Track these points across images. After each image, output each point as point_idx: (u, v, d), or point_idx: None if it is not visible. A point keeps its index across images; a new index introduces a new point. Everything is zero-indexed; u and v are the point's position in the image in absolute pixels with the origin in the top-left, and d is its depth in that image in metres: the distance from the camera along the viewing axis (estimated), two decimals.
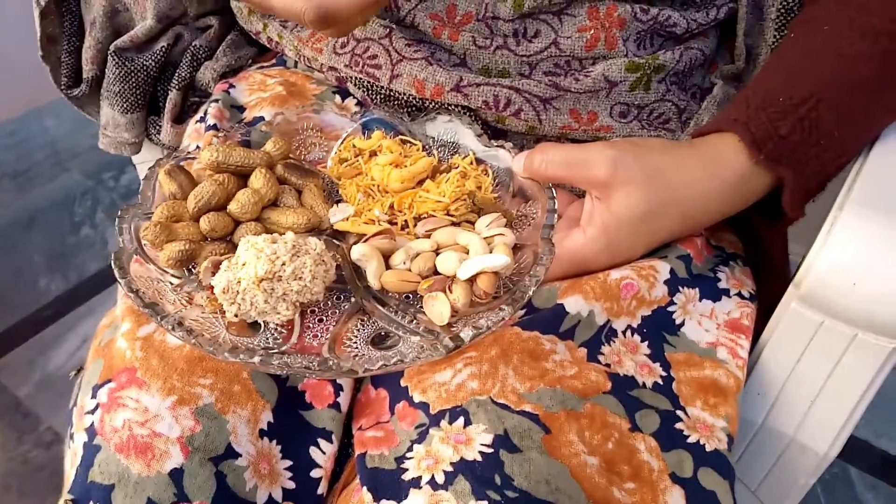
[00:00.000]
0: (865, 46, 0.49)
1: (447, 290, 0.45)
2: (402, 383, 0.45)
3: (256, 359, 0.39)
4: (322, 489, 0.46)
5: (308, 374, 0.40)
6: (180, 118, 0.71)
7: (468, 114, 0.58)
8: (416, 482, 0.40)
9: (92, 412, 0.43)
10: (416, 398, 0.44)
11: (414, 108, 0.59)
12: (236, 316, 0.43)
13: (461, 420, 0.41)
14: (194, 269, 0.47)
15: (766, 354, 0.51)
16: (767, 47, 0.60)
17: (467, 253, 0.47)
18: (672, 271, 0.50)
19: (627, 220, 0.48)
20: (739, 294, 0.53)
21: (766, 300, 0.54)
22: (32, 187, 1.64)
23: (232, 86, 0.65)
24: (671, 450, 0.43)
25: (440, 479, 0.39)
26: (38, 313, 1.35)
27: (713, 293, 0.52)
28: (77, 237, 1.51)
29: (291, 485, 0.45)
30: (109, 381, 0.44)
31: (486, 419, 0.41)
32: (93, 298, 1.38)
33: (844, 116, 0.48)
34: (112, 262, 0.43)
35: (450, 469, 0.39)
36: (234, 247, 0.47)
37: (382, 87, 0.59)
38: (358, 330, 0.45)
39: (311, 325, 0.45)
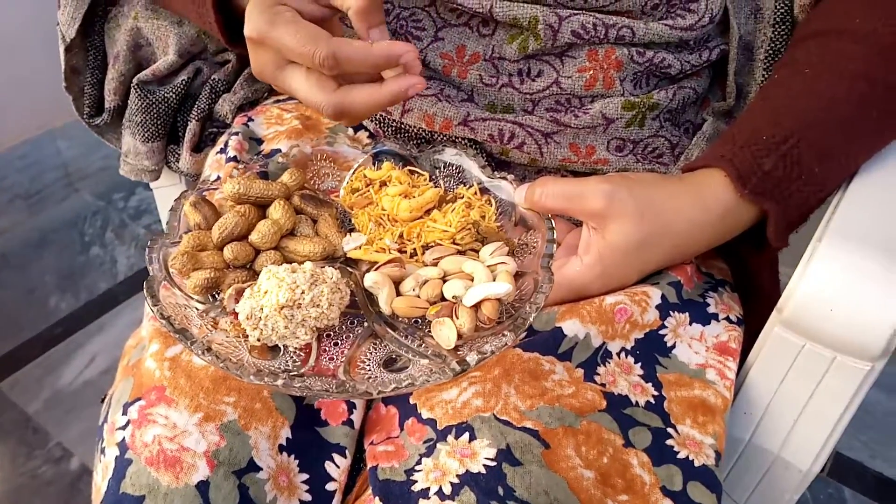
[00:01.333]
0: (843, 89, 0.53)
1: (454, 316, 0.48)
2: (411, 401, 0.48)
3: (280, 382, 0.42)
4: (336, 501, 0.48)
5: (326, 396, 0.43)
6: (198, 147, 0.74)
7: (473, 146, 0.61)
8: (424, 493, 0.42)
9: (123, 428, 0.46)
10: (425, 415, 0.47)
11: (423, 141, 0.62)
12: (258, 340, 0.46)
13: (466, 435, 0.44)
14: (218, 295, 0.50)
15: (752, 375, 0.53)
16: (756, 85, 0.63)
17: (472, 280, 0.50)
18: (663, 297, 0.53)
19: (621, 249, 0.51)
20: (728, 318, 0.56)
21: (754, 325, 0.56)
22: (44, 208, 1.67)
23: (251, 119, 0.69)
24: (662, 464, 0.46)
25: (447, 490, 0.42)
26: (49, 331, 1.38)
27: (702, 317, 0.55)
28: (87, 257, 1.54)
29: (308, 497, 0.48)
30: (139, 398, 0.47)
31: (490, 434, 0.44)
32: (102, 317, 1.41)
33: (824, 154, 0.51)
34: (144, 290, 0.46)
35: (456, 481, 0.42)
36: (255, 274, 0.50)
37: (394, 120, 0.62)
38: (371, 353, 0.48)
39: (327, 349, 0.48)
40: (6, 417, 1.23)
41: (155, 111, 0.72)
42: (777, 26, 0.61)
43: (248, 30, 0.49)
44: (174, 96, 0.73)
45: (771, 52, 0.62)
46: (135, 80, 0.72)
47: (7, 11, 1.57)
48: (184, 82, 0.73)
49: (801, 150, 0.51)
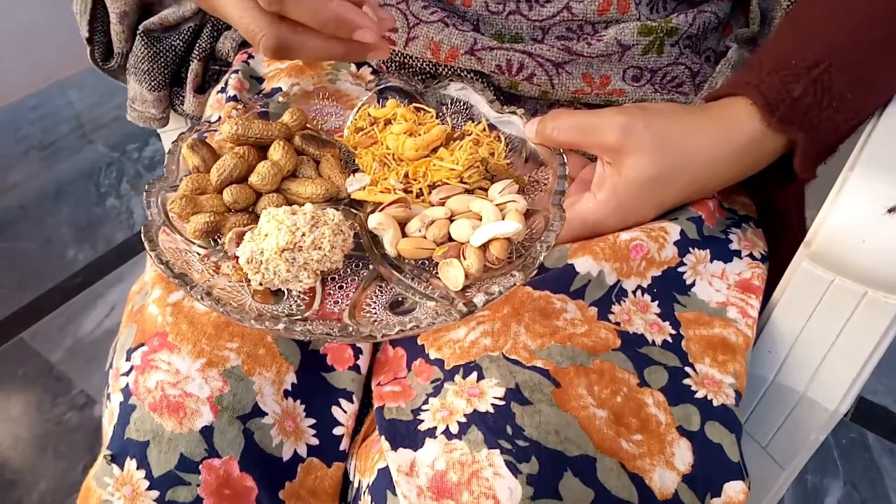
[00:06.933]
0: (877, 9, 0.50)
1: (461, 257, 0.47)
2: (419, 341, 0.47)
3: (280, 326, 0.41)
4: (344, 445, 0.48)
5: (329, 339, 0.42)
6: (202, 88, 0.72)
7: (481, 80, 0.59)
8: (431, 432, 0.42)
9: (127, 374, 0.46)
10: (432, 355, 0.46)
11: (428, 76, 0.60)
12: (261, 284, 0.45)
13: (474, 375, 0.43)
14: (219, 239, 0.49)
15: (777, 313, 0.52)
16: (782, 10, 0.60)
17: (480, 220, 0.49)
18: (682, 233, 0.51)
19: (637, 184, 0.49)
20: (751, 255, 0.54)
21: (779, 262, 0.55)
22: (59, 160, 1.67)
23: (251, 56, 0.67)
24: (679, 404, 0.45)
25: (454, 429, 0.41)
26: (68, 282, 1.40)
27: (724, 254, 0.54)
28: (103, 208, 1.55)
29: (315, 441, 0.48)
30: (142, 344, 0.47)
31: (499, 374, 0.43)
32: (120, 267, 1.43)
33: (856, 79, 0.49)
34: (142, 235, 0.45)
35: (463, 420, 0.41)
36: (257, 217, 0.49)
37: (397, 53, 0.60)
38: (376, 296, 0.47)
39: (331, 292, 0.47)
40: (30, 366, 1.25)
41: (162, 60, 0.70)
42: None
43: None
44: (181, 44, 0.70)
45: None
46: (140, 28, 0.69)
47: None
48: (191, 29, 0.70)
49: (832, 75, 0.48)
